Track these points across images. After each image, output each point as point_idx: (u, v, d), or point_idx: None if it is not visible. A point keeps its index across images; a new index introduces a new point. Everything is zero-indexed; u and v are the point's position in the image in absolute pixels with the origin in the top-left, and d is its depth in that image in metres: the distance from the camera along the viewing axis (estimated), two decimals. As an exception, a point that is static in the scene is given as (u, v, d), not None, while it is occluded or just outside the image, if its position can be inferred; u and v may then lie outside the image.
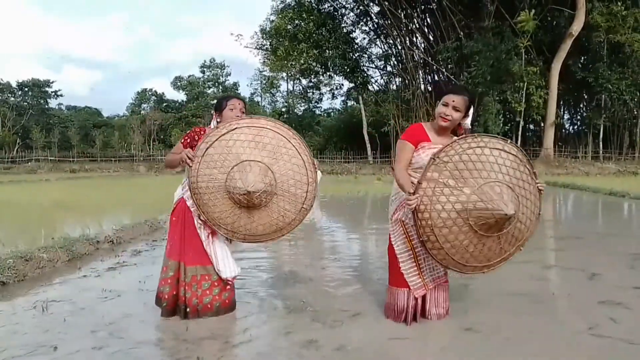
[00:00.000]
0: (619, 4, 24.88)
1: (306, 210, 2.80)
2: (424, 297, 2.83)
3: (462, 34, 27.98)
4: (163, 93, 57.34)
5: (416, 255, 2.75)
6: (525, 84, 26.03)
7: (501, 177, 2.45)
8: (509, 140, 2.56)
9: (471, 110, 2.79)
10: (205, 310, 2.90)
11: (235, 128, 2.73)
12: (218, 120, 3.00)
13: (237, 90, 53.51)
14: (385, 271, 4.16)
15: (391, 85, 35.97)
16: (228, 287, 2.99)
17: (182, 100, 54.05)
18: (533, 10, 25.08)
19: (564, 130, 35.19)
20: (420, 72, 32.07)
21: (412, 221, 2.67)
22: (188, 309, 2.89)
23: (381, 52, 35.22)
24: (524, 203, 2.50)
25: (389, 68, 35.84)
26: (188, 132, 3.03)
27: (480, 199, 2.38)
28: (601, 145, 30.31)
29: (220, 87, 52.03)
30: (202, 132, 2.93)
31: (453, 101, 2.70)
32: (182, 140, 2.96)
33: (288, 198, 2.75)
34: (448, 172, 2.45)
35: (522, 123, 29.17)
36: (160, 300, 2.98)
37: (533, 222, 2.61)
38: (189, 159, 2.72)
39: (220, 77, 52.82)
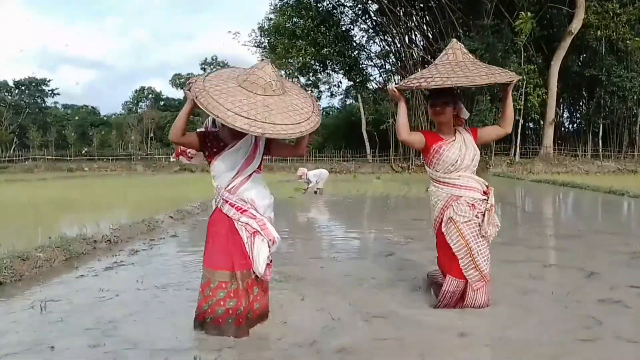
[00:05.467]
0: (614, 1, 24.90)
1: (316, 116, 2.66)
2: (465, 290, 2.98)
3: (461, 32, 27.94)
4: (161, 91, 57.31)
5: (470, 249, 2.94)
6: (525, 82, 26.00)
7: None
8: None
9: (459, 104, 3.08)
10: (255, 316, 2.79)
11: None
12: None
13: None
14: (382, 270, 4.18)
15: (390, 84, 35.84)
16: (266, 288, 2.92)
17: (180, 99, 53.95)
18: (529, 13, 25.04)
19: (563, 129, 35.20)
20: (419, 70, 31.95)
21: (461, 218, 2.93)
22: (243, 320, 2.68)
23: (380, 49, 35.19)
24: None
25: (387, 66, 35.80)
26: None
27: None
28: (600, 144, 30.31)
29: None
30: (212, 135, 2.79)
31: (439, 100, 3.01)
32: (198, 131, 2.81)
33: (298, 96, 2.72)
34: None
35: (521, 121, 29.15)
36: (201, 323, 2.72)
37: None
38: (191, 83, 2.57)
39: (222, 75, 52.61)
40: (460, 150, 2.98)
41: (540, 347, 2.52)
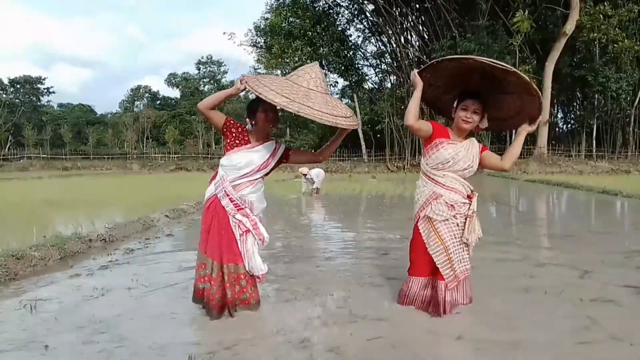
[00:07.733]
0: (606, 3, 25.02)
1: (354, 120, 2.83)
2: (436, 290, 2.93)
3: (456, 32, 28.03)
4: (158, 90, 57.13)
5: (447, 248, 2.89)
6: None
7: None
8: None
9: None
10: (243, 304, 2.95)
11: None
12: (252, 123, 2.92)
13: (232, 88, 53.31)
14: (377, 269, 4.19)
15: (386, 84, 35.91)
16: (256, 282, 3.04)
17: (176, 98, 53.84)
18: (526, 11, 25.13)
19: (557, 129, 35.39)
20: (414, 70, 32.06)
21: (438, 217, 2.89)
22: (227, 307, 2.91)
23: (376, 50, 35.26)
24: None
25: (383, 66, 35.87)
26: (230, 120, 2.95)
27: None
28: (594, 144, 30.48)
29: (216, 85, 51.79)
30: (240, 128, 2.90)
31: (473, 104, 2.89)
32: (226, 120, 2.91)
33: (338, 102, 2.91)
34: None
35: (516, 121, 29.20)
36: (201, 299, 2.95)
37: None
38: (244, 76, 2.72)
39: (217, 74, 52.54)
40: (457, 153, 2.90)
41: (536, 348, 2.54)
